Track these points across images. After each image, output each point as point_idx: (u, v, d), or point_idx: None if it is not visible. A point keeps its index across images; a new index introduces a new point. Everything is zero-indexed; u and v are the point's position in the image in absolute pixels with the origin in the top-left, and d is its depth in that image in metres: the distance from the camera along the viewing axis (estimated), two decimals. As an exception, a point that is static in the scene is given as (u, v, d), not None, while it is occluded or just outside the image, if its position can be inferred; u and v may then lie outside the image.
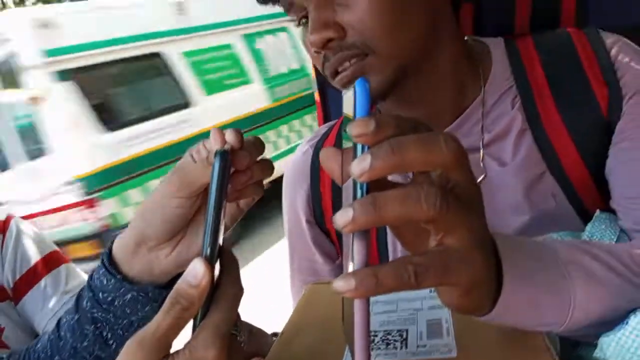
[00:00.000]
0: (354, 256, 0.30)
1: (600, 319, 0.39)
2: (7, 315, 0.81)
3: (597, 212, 0.53)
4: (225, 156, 0.36)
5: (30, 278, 0.83)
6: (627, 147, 0.54)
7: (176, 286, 0.34)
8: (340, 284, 0.28)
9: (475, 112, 0.60)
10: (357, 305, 0.31)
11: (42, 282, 0.83)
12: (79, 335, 0.49)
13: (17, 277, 0.83)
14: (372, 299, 0.50)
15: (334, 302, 0.51)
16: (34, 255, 0.85)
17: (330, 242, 0.73)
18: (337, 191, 0.69)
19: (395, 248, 0.65)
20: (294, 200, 0.74)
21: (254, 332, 0.55)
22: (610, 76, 0.55)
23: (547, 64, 0.59)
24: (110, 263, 0.47)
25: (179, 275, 0.36)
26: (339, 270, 0.73)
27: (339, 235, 0.70)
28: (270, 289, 2.59)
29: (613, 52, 0.56)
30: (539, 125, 0.58)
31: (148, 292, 0.47)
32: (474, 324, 0.41)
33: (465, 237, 0.30)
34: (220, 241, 0.36)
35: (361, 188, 0.30)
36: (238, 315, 0.38)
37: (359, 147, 0.29)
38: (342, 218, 0.28)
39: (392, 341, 0.42)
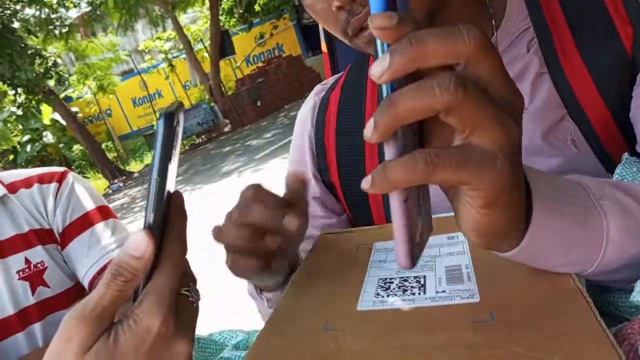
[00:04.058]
0: (386, 158, 0.28)
1: (635, 259, 0.36)
2: (51, 256, 0.87)
3: (625, 154, 0.50)
4: (170, 118, 0.32)
5: (78, 226, 0.88)
6: None
7: (117, 258, 0.32)
8: (364, 181, 0.27)
9: None
10: (392, 202, 0.29)
11: (88, 232, 0.88)
12: None
13: (67, 223, 0.88)
14: (386, 246, 0.48)
15: (344, 252, 0.49)
16: (85, 206, 0.90)
17: (333, 197, 0.71)
18: (341, 144, 0.67)
19: None
20: (299, 154, 0.72)
21: None
22: (636, 14, 0.52)
23: (567, 3, 0.55)
24: None
25: None
26: (341, 224, 0.70)
27: (346, 189, 0.68)
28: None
29: None
30: (557, 68, 0.54)
31: None
32: (496, 270, 0.39)
33: (493, 137, 0.27)
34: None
35: (387, 93, 0.27)
36: (190, 274, 0.37)
37: (379, 49, 0.27)
38: (367, 129, 0.26)
39: (409, 287, 0.39)
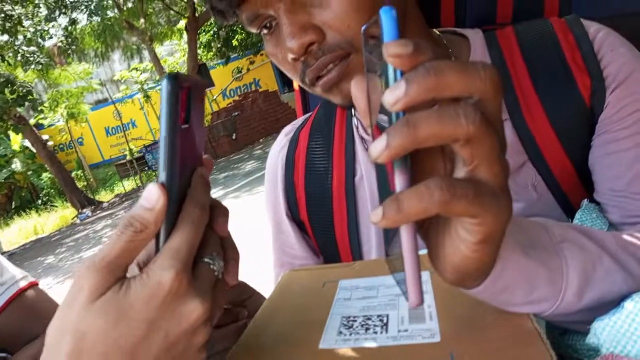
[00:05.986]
0: (397, 189, 0.28)
1: (594, 303, 0.37)
2: None
3: (585, 201, 0.52)
4: (174, 79, 0.32)
5: None
6: (611, 139, 0.52)
7: (130, 211, 0.32)
8: (373, 214, 0.26)
9: None
10: (404, 236, 0.28)
11: None
12: None
13: None
14: (352, 284, 0.48)
15: (310, 289, 0.49)
16: None
17: (306, 235, 0.70)
18: (309, 182, 0.67)
19: (369, 239, 0.62)
20: (273, 195, 0.72)
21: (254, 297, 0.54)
22: (594, 66, 0.54)
23: (528, 54, 0.57)
24: None
25: None
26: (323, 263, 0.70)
27: (314, 227, 0.68)
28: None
29: (596, 41, 0.54)
30: (519, 115, 0.56)
31: None
32: (458, 310, 0.39)
33: (496, 173, 0.27)
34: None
35: (397, 117, 0.27)
36: (217, 247, 0.36)
37: (391, 77, 0.27)
38: (376, 148, 0.26)
39: (372, 326, 0.39)
